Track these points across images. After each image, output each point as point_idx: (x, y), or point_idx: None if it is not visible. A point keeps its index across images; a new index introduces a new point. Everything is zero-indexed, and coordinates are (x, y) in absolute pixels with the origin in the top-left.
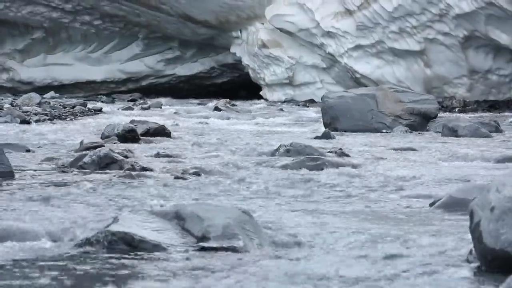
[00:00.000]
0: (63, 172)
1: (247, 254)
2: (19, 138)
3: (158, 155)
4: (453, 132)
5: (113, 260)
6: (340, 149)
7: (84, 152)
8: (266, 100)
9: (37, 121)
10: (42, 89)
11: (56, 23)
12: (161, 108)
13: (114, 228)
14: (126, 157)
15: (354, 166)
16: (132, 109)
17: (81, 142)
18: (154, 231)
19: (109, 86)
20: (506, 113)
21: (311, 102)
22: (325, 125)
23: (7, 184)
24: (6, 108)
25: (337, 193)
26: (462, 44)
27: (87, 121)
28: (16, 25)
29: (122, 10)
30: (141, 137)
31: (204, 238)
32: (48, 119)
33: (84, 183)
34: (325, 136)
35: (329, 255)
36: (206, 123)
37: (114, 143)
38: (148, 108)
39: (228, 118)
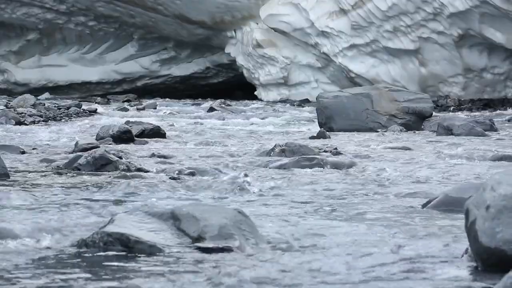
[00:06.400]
0: (58, 173)
1: (243, 254)
2: (14, 140)
3: (153, 155)
4: (448, 131)
5: (109, 261)
6: (335, 148)
7: (79, 153)
8: (261, 100)
9: (31, 122)
10: (37, 91)
11: (51, 24)
12: (156, 108)
13: (110, 229)
14: (121, 158)
15: (349, 165)
16: (127, 110)
17: (76, 143)
18: (150, 231)
19: (104, 87)
20: (501, 112)
21: (306, 102)
22: (320, 125)
23: (2, 185)
24: (0, 109)
25: (331, 193)
26: (457, 42)
27: (82, 122)
28: (11, 26)
29: (117, 11)
30: (136, 138)
31: (200, 238)
32: (43, 121)
33: (79, 184)
34: (320, 135)
35: (321, 254)
36: (201, 123)
37: (109, 144)
38: (143, 109)
39: (223, 119)
